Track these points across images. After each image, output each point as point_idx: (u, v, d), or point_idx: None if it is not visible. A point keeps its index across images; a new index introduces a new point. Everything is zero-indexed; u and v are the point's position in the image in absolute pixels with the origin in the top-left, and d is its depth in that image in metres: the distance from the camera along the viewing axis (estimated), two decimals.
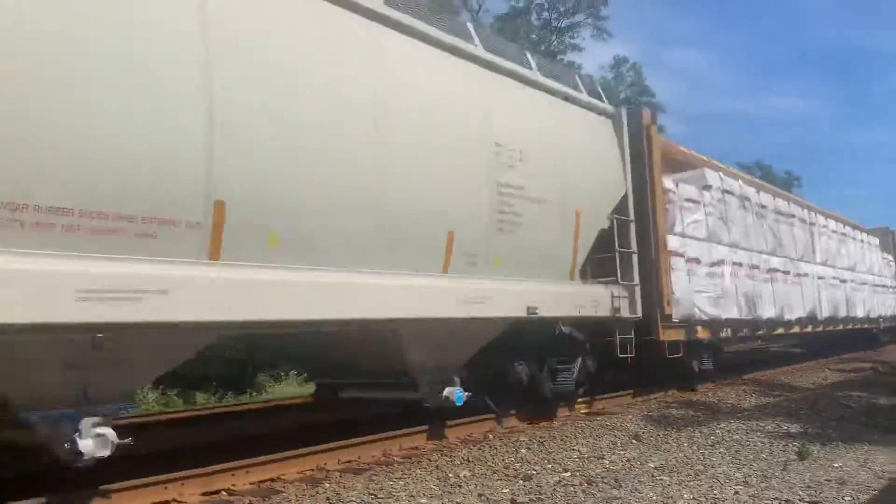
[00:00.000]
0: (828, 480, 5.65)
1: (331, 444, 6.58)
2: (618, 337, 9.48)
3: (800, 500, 5.06)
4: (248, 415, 9.47)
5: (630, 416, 9.15)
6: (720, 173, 13.14)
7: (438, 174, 6.90)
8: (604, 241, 9.51)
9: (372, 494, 5.35)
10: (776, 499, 5.10)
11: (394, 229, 6.39)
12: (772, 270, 14.21)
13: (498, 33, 25.88)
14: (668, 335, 10.55)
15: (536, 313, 7.88)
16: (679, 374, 11.72)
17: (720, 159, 14.29)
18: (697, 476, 5.91)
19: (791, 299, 14.91)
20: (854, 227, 21.17)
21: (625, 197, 9.92)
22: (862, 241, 21.44)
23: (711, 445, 7.27)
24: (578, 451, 7.08)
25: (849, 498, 5.11)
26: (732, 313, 12.19)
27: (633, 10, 77.91)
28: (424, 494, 5.38)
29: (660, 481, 5.75)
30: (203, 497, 5.35)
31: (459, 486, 5.62)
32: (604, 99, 10.16)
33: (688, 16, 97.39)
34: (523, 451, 7.07)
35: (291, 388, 14.03)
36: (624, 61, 39.48)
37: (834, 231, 19.07)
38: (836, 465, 6.26)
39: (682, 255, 11.08)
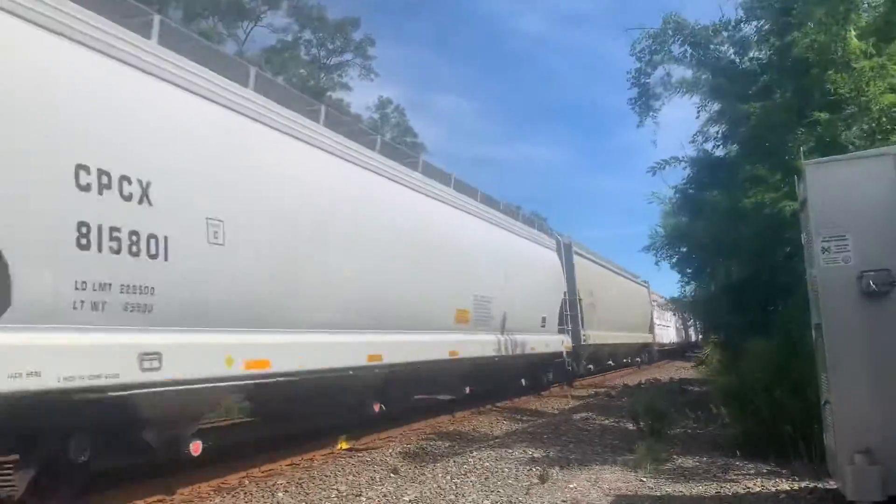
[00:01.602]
0: (563, 501, 6.13)
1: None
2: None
3: None
4: None
5: (390, 450, 9.28)
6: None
7: None
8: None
9: None
10: None
11: None
12: (661, 325, 41.88)
13: (266, 64, 25.57)
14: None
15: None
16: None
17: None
18: None
19: (662, 334, 42.52)
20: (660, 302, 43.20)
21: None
22: (661, 304, 42.33)
23: (464, 474, 7.58)
24: (337, 489, 7.02)
25: None
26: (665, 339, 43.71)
27: (400, 54, 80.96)
28: None
29: None
30: None
31: None
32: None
33: (452, 65, 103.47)
34: (280, 494, 6.86)
35: None
36: (388, 103, 41.01)
37: (657, 303, 41.03)
38: (571, 485, 6.82)
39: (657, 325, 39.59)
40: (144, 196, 5.75)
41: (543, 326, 16.75)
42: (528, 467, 7.81)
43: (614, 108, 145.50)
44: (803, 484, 6.38)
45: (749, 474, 6.98)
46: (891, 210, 5.07)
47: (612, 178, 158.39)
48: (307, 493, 6.89)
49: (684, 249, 13.38)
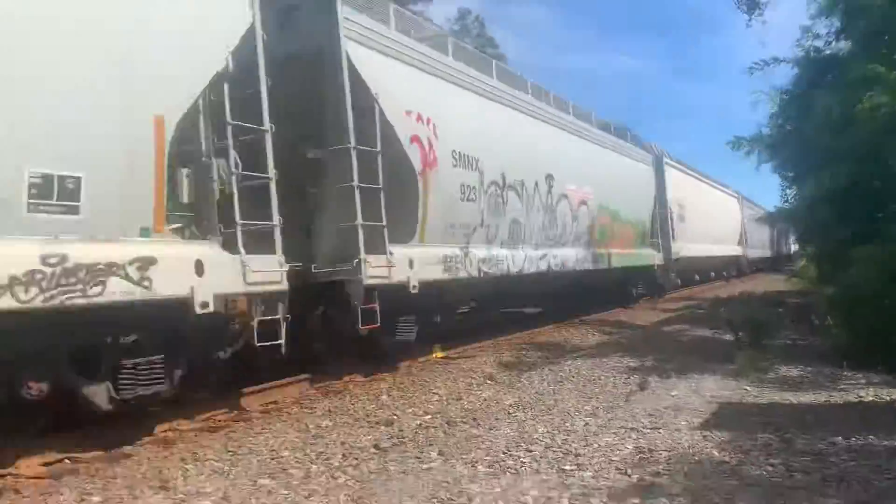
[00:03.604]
0: (666, 408, 6.11)
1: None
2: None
3: (643, 427, 5.44)
4: None
5: (484, 359, 9.43)
6: None
7: None
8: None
9: (231, 452, 5.19)
10: (622, 427, 5.46)
11: None
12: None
13: None
14: None
15: None
16: None
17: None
18: (549, 411, 6.20)
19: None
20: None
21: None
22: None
23: (560, 381, 7.64)
24: (437, 394, 7.22)
25: (685, 422, 5.55)
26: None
27: None
28: (287, 447, 5.28)
29: (515, 417, 5.98)
30: (42, 468, 4.96)
31: (322, 437, 5.56)
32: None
33: None
34: (384, 397, 7.10)
35: None
36: (468, 13, 40.01)
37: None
38: (672, 393, 6.78)
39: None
40: None
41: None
42: (625, 375, 7.80)
43: (702, 12, 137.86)
44: None
45: (859, 384, 6.78)
46: None
47: (703, 86, 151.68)
48: (409, 397, 7.10)
49: (787, 153, 12.66)
